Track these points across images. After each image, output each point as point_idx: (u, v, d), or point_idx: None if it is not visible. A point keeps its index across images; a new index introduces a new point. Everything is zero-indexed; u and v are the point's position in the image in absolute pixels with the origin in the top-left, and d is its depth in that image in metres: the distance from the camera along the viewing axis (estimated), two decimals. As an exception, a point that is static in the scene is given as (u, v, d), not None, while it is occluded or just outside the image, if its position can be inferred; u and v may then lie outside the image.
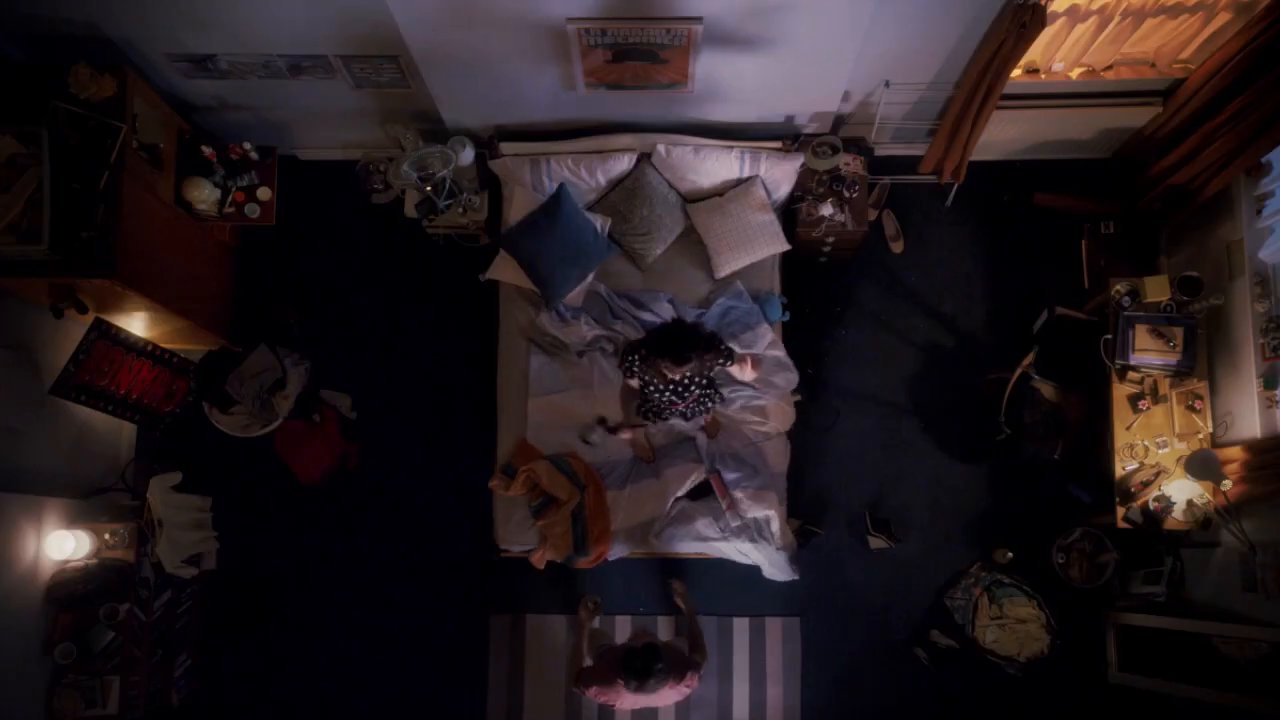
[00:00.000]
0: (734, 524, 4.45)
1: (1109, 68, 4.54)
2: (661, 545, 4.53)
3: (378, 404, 5.20)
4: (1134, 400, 4.47)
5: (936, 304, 5.25)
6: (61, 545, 4.35)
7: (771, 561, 4.50)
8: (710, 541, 4.49)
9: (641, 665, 3.63)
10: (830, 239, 4.96)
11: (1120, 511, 4.45)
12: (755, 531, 4.45)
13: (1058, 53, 4.41)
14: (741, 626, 4.95)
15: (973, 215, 5.32)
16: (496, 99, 4.62)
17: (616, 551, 4.53)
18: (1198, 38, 4.28)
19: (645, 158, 4.87)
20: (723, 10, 3.82)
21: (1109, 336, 4.51)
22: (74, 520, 4.56)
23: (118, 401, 4.56)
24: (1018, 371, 4.58)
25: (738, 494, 4.44)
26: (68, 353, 4.36)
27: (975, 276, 5.27)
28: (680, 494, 4.50)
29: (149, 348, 4.65)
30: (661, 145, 4.78)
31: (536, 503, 4.53)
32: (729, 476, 4.50)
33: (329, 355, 5.21)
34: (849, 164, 4.88)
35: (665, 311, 4.74)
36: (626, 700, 3.83)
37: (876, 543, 4.94)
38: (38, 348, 4.49)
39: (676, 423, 4.60)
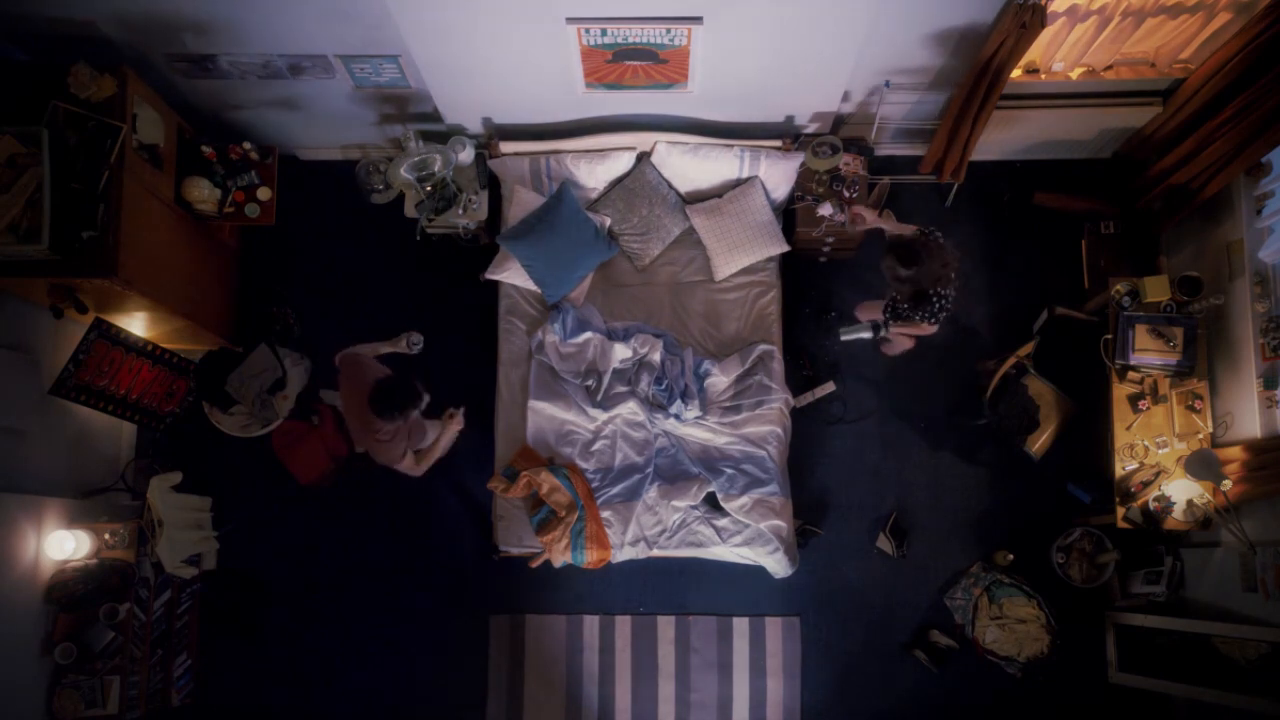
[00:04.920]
0: (734, 529, 4.46)
1: (1109, 68, 4.54)
2: (661, 550, 4.54)
3: (378, 404, 5.19)
4: (1134, 400, 4.48)
5: (936, 304, 5.24)
6: (61, 545, 4.35)
7: (774, 560, 4.50)
8: (709, 547, 4.51)
9: (389, 397, 3.68)
10: (830, 239, 4.96)
11: (1120, 511, 4.46)
12: (757, 538, 4.45)
13: (1058, 53, 4.41)
14: (741, 626, 4.95)
15: (973, 215, 5.32)
16: (496, 99, 4.63)
17: (617, 557, 4.53)
18: (1198, 38, 4.28)
19: (645, 157, 4.87)
20: (723, 10, 3.82)
21: (1109, 336, 4.51)
22: (74, 520, 4.56)
23: (118, 401, 4.57)
24: (1011, 360, 4.61)
25: (744, 499, 4.44)
26: (68, 353, 4.37)
27: (975, 276, 5.27)
28: (682, 505, 4.50)
29: (149, 348, 4.65)
30: (661, 144, 4.78)
31: (538, 515, 4.50)
32: (727, 476, 4.50)
33: (329, 355, 5.19)
34: (849, 164, 4.88)
35: (647, 347, 4.71)
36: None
37: (884, 545, 4.94)
38: (38, 348, 4.49)
39: (667, 436, 4.66)
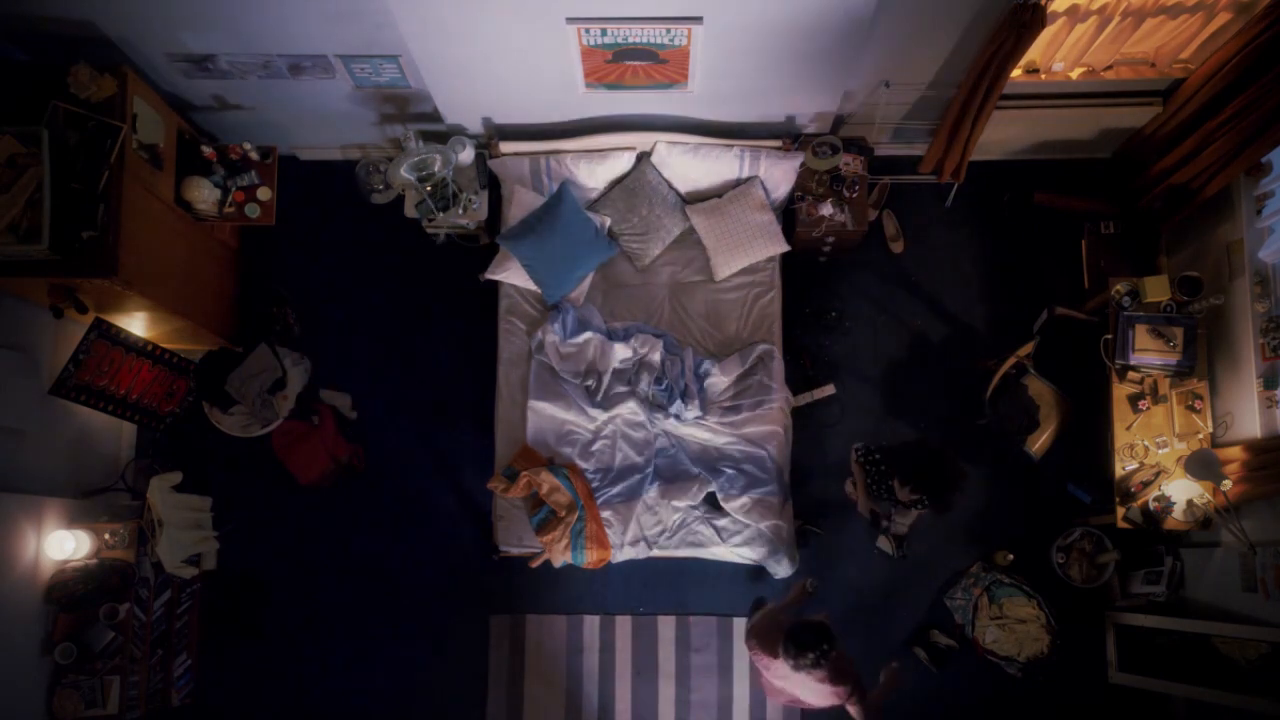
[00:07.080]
0: (734, 529, 4.46)
1: (1109, 68, 4.54)
2: (661, 550, 4.55)
3: (378, 404, 5.20)
4: (1134, 400, 4.48)
5: (936, 304, 5.24)
6: (61, 545, 4.35)
7: (775, 560, 4.50)
8: (709, 547, 4.50)
9: (805, 639, 3.37)
10: (830, 239, 4.96)
11: (1120, 511, 4.46)
12: (757, 538, 4.45)
13: (1058, 53, 4.41)
14: (741, 626, 4.94)
15: (973, 215, 5.32)
16: (496, 99, 4.63)
17: (617, 557, 4.53)
18: (1198, 38, 4.28)
19: (645, 157, 4.87)
20: (723, 10, 3.82)
21: (1109, 336, 4.51)
22: (74, 520, 4.56)
23: (118, 401, 4.57)
24: (1010, 360, 4.62)
25: (744, 499, 4.44)
26: (68, 353, 4.37)
27: (975, 276, 5.27)
28: (682, 505, 4.50)
29: (149, 348, 4.65)
30: (661, 144, 4.78)
31: (538, 515, 4.50)
32: (727, 476, 4.50)
33: (329, 355, 5.21)
34: (849, 164, 4.88)
35: (647, 347, 4.71)
36: (776, 670, 3.60)
37: (884, 545, 4.94)
38: (38, 348, 4.49)
39: (667, 436, 4.66)
